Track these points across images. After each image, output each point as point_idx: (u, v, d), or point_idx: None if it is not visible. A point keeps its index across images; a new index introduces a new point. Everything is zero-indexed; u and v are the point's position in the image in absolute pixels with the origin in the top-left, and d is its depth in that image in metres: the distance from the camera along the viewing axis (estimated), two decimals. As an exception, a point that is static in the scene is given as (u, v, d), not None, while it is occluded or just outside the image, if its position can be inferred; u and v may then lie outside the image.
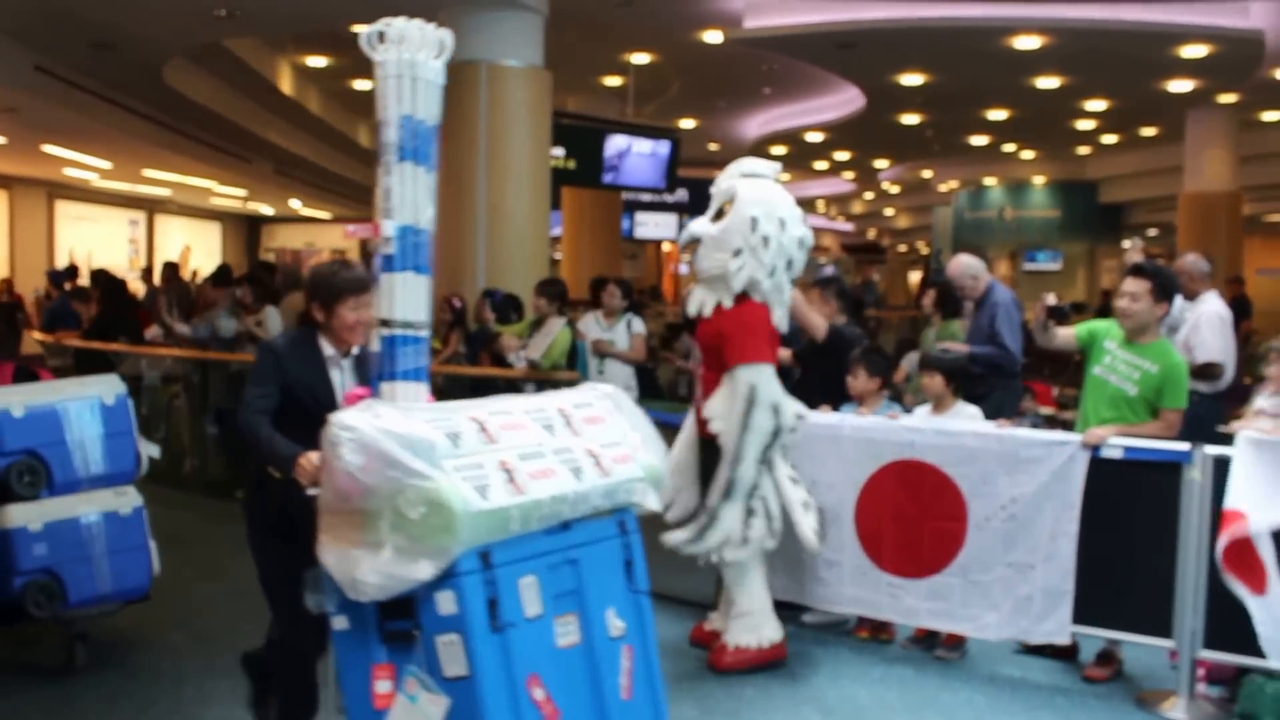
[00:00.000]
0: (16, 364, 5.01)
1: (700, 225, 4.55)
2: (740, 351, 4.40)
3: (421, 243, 2.93)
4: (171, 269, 12.64)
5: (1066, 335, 4.71)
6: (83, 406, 4.31)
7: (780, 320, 4.55)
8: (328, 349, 3.24)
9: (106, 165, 17.36)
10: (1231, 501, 4.03)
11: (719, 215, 4.49)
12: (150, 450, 4.53)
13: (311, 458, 2.78)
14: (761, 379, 4.40)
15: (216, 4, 9.40)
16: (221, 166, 17.47)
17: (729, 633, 4.52)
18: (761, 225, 4.37)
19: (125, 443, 4.43)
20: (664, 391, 7.96)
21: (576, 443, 2.77)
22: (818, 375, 5.22)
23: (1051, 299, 4.68)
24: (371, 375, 2.99)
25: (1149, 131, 17.71)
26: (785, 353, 5.36)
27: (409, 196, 2.90)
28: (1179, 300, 5.42)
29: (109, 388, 4.44)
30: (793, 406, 4.49)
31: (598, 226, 15.89)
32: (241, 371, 7.77)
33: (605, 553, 2.80)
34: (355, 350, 3.26)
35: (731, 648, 4.48)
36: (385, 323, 2.92)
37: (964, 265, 6.25)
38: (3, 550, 4.12)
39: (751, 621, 4.49)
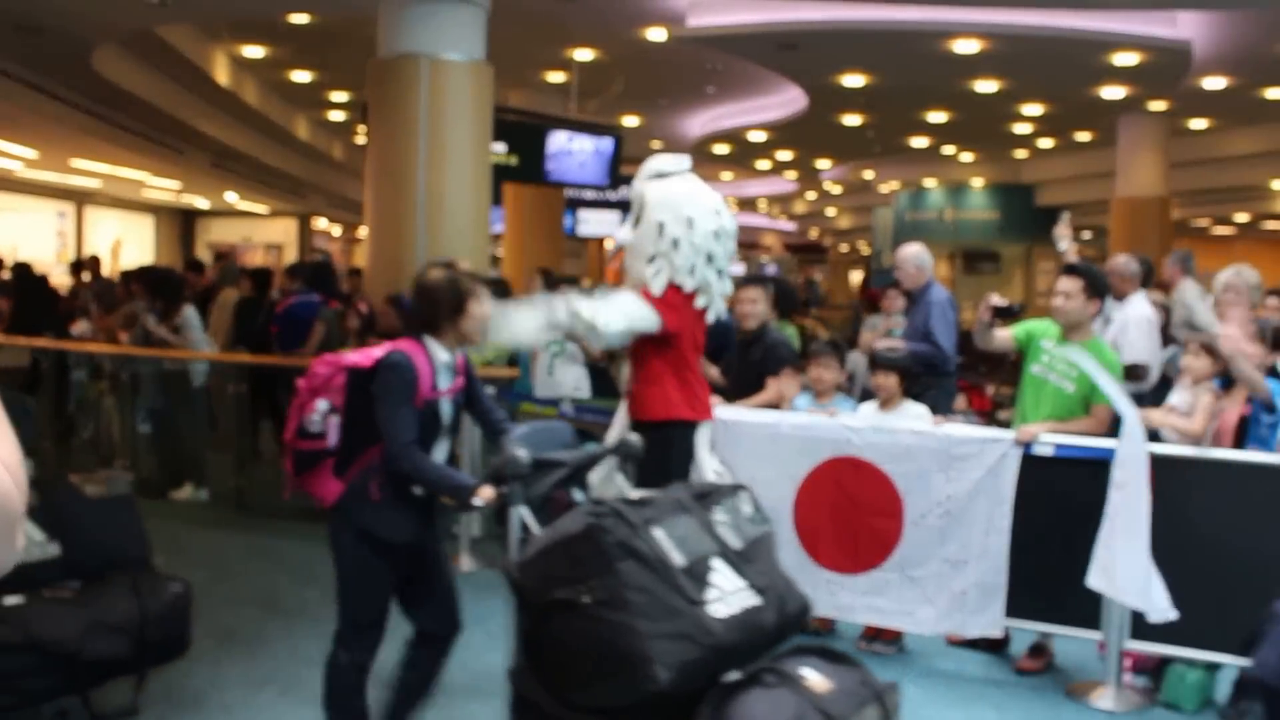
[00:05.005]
0: None
1: (624, 234, 4.49)
2: None
3: None
4: (94, 263, 12.33)
5: (1004, 337, 4.77)
6: None
7: (721, 311, 4.41)
8: None
9: (32, 154, 16.87)
10: None
11: (637, 221, 4.39)
12: None
13: None
14: None
15: (148, -11, 9.18)
16: (154, 158, 17.05)
17: None
18: (668, 229, 4.21)
19: None
20: (620, 390, 7.89)
21: None
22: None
23: (996, 299, 4.70)
24: None
25: (1083, 136, 18.06)
26: (713, 371, 5.34)
27: None
28: (1108, 300, 5.54)
29: None
30: None
31: (540, 223, 15.79)
32: (181, 371, 7.60)
33: None
34: None
35: None
36: None
37: (913, 254, 6.29)
38: None
39: None
